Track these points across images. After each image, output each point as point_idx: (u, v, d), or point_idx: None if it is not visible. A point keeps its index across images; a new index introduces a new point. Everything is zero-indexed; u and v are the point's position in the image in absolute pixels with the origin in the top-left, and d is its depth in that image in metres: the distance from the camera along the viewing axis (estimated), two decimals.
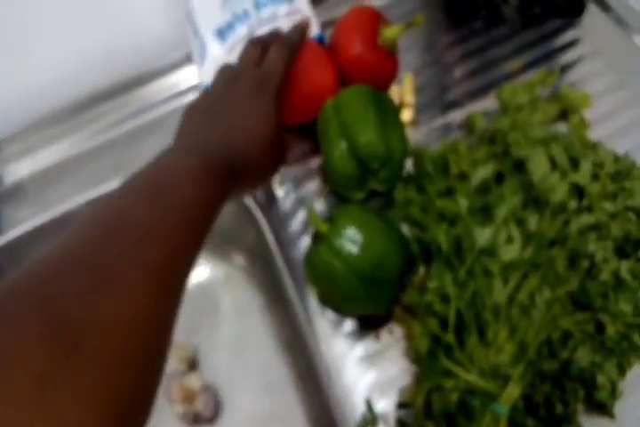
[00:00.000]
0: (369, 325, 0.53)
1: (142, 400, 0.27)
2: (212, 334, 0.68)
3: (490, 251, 0.45)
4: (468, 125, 0.60)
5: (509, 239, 0.45)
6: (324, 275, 0.49)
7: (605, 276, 0.46)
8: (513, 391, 0.41)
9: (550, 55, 0.65)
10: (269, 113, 0.45)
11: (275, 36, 0.52)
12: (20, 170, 0.65)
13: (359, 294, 0.48)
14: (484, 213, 0.48)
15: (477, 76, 0.65)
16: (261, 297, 0.66)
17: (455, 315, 0.44)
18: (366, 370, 0.51)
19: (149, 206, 0.33)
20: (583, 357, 0.44)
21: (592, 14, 0.68)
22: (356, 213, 0.50)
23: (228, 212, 0.67)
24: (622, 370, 0.46)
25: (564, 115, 0.61)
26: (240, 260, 0.70)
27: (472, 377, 0.42)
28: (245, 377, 0.66)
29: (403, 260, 0.49)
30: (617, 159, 0.52)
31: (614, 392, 0.46)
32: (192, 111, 0.46)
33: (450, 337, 0.43)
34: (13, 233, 0.60)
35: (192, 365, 0.66)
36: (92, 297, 0.26)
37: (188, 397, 0.62)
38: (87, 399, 0.24)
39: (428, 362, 0.45)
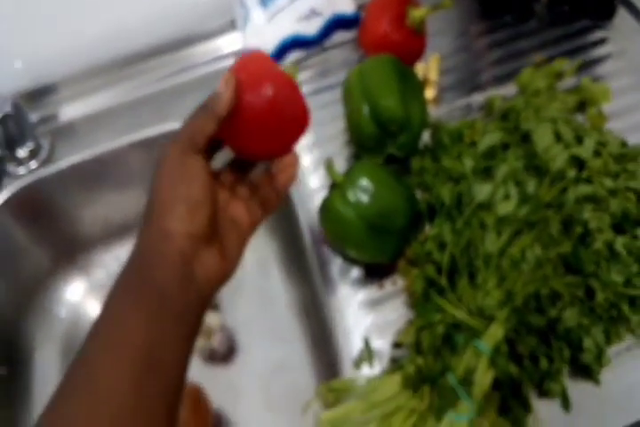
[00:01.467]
0: (374, 274, 0.58)
1: None
2: (234, 282, 0.74)
3: (487, 206, 0.50)
4: (487, 107, 0.65)
5: (507, 196, 0.50)
6: (335, 221, 0.54)
7: (599, 245, 0.49)
8: (496, 331, 0.46)
9: (575, 52, 0.70)
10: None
11: None
12: (73, 111, 0.72)
13: (366, 241, 0.54)
14: (487, 175, 0.53)
15: (502, 64, 0.70)
16: (280, 248, 0.72)
17: (449, 260, 0.49)
18: (367, 314, 0.56)
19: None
20: (571, 318, 0.48)
21: (621, 17, 0.72)
22: (371, 166, 0.55)
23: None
24: (609, 337, 0.49)
25: (582, 107, 0.65)
26: None
27: (459, 313, 0.47)
28: (261, 324, 0.72)
29: (409, 215, 0.54)
30: (624, 145, 0.56)
31: (600, 357, 0.49)
32: None
33: (443, 279, 0.49)
34: (63, 164, 0.66)
35: (213, 306, 0.72)
36: None
37: (206, 333, 0.68)
38: None
39: (421, 302, 0.50)
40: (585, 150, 0.52)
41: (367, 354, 0.54)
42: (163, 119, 0.70)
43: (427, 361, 0.47)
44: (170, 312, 0.34)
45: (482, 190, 0.51)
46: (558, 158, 0.52)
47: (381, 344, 0.54)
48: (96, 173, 0.70)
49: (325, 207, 0.55)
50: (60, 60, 0.71)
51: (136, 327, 0.33)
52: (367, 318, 0.56)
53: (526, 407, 0.47)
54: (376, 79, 0.58)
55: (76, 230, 0.74)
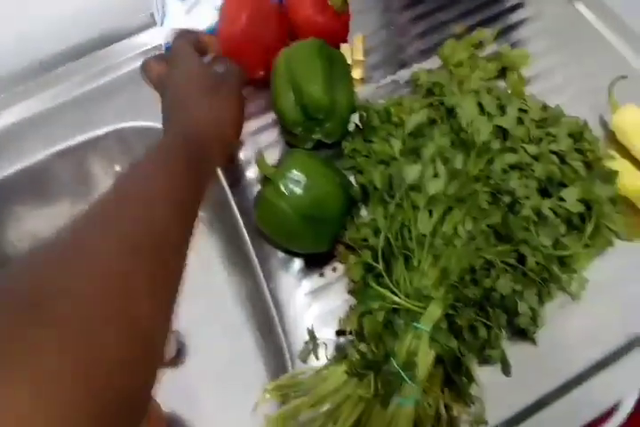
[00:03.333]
0: (314, 263, 0.57)
1: (128, 360, 0.27)
2: None
3: (418, 187, 0.49)
4: (413, 82, 0.64)
5: (436, 175, 0.49)
6: (270, 215, 0.53)
7: (526, 211, 0.50)
8: (434, 310, 0.46)
9: (494, 19, 0.69)
10: (239, 91, 0.52)
11: None
12: None
13: (303, 232, 0.53)
14: (416, 155, 0.52)
15: (426, 37, 0.69)
16: (220, 245, 0.70)
17: (384, 244, 0.48)
18: (311, 304, 0.55)
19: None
20: (505, 285, 0.48)
21: None
22: (301, 157, 0.53)
23: None
24: (542, 298, 0.50)
25: (503, 73, 0.65)
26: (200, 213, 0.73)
27: (397, 298, 0.46)
28: (206, 323, 0.70)
29: (344, 201, 0.54)
30: (545, 108, 0.56)
31: (535, 319, 0.50)
32: (171, 82, 0.50)
33: (379, 264, 0.48)
34: None
35: None
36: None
37: None
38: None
39: (361, 289, 0.50)
40: (508, 120, 0.52)
41: (312, 346, 0.53)
42: (89, 124, 0.67)
43: (369, 348, 0.47)
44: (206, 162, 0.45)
45: (411, 172, 0.50)
46: (482, 131, 0.51)
47: (328, 333, 0.54)
48: (19, 190, 0.66)
49: (259, 201, 0.54)
50: None
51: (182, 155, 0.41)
52: (312, 308, 0.55)
53: (469, 378, 0.48)
54: (301, 64, 0.57)
55: (2, 251, 0.71)
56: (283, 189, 0.51)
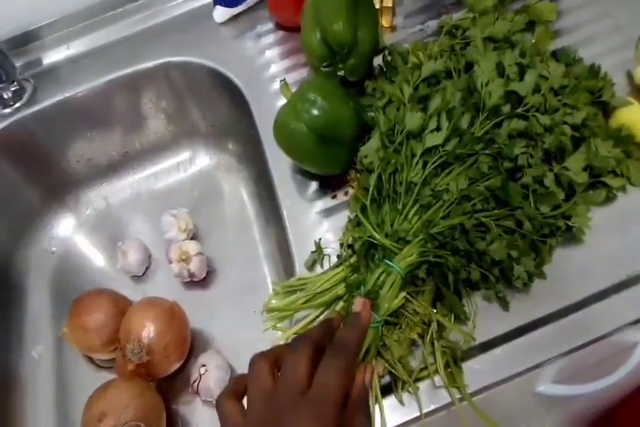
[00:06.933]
0: (328, 186, 0.61)
1: None
2: (211, 214, 0.79)
3: (419, 136, 0.51)
4: (439, 28, 0.67)
5: (438, 129, 0.51)
6: (287, 135, 0.57)
7: (527, 179, 0.50)
8: (407, 253, 0.48)
9: None
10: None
11: (327, 335, 0.41)
12: (55, 55, 0.78)
13: (318, 152, 0.56)
14: (425, 104, 0.54)
15: None
16: (249, 174, 0.76)
17: (377, 183, 0.52)
18: (322, 221, 0.59)
19: None
20: (499, 250, 0.48)
21: None
22: (319, 81, 0.57)
23: (223, 107, 0.77)
24: (541, 262, 0.51)
25: (532, 27, 0.66)
26: (234, 148, 0.79)
27: (376, 234, 0.49)
28: (234, 252, 0.76)
29: (358, 125, 0.57)
30: (567, 74, 0.56)
31: (532, 279, 0.50)
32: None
33: (368, 201, 0.51)
34: (45, 103, 0.71)
35: (192, 236, 0.77)
36: None
37: (185, 258, 0.72)
38: None
39: (355, 218, 0.54)
40: (524, 86, 0.52)
41: (318, 254, 0.56)
42: (138, 59, 0.74)
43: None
44: None
45: (412, 119, 0.52)
46: (494, 94, 0.52)
47: (333, 248, 0.57)
48: (78, 112, 0.74)
49: (277, 123, 0.58)
50: (41, 7, 0.75)
51: None
52: (322, 225, 0.59)
53: (459, 295, 0.50)
54: (328, 3, 0.61)
55: (61, 169, 0.79)
56: (300, 109, 0.55)
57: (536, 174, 0.51)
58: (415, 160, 0.52)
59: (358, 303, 0.44)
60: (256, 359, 0.39)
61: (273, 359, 0.39)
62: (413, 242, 0.48)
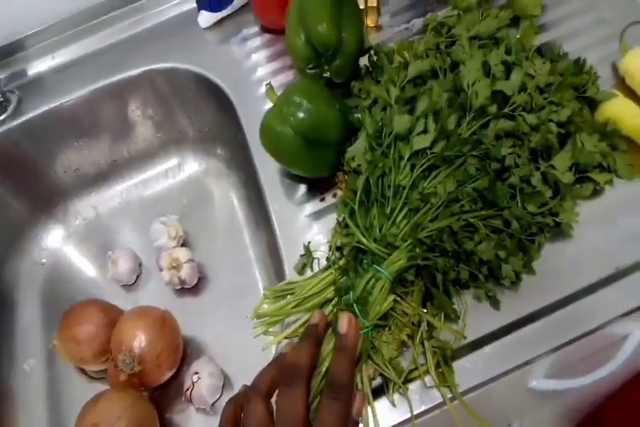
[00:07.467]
0: (317, 189, 0.61)
1: None
2: (200, 220, 0.79)
3: (407, 138, 0.51)
4: (425, 26, 0.66)
5: (425, 131, 0.51)
6: (274, 138, 0.56)
7: (514, 179, 0.50)
8: (396, 258, 0.47)
9: None
10: None
11: (315, 354, 0.41)
12: (40, 66, 0.77)
13: (304, 155, 0.56)
14: (412, 106, 0.53)
15: None
16: (238, 178, 0.75)
17: (364, 186, 0.51)
18: (311, 224, 0.59)
19: None
20: (487, 251, 0.48)
21: None
22: (305, 84, 0.57)
23: (210, 112, 0.76)
24: (530, 261, 0.51)
25: (517, 22, 0.66)
26: (222, 153, 0.79)
27: (364, 240, 0.48)
28: (224, 258, 0.76)
29: (344, 127, 0.57)
30: (553, 71, 0.55)
31: (519, 277, 0.50)
32: None
33: (356, 204, 0.51)
34: (31, 113, 0.71)
35: (182, 243, 0.76)
36: None
37: (175, 265, 0.71)
38: None
39: (344, 221, 0.53)
40: (510, 86, 0.52)
41: (307, 258, 0.56)
42: (124, 67, 0.74)
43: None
44: None
45: (400, 122, 0.52)
46: (480, 94, 0.52)
47: (324, 250, 0.56)
48: (64, 122, 0.74)
49: (263, 127, 0.57)
50: (24, 17, 0.75)
51: None
52: (311, 229, 0.59)
53: (449, 295, 0.50)
54: (312, 4, 0.60)
55: (49, 180, 0.78)
56: (285, 113, 0.55)
57: (523, 174, 0.50)
58: (403, 163, 0.51)
59: (343, 323, 0.41)
60: (252, 398, 0.39)
61: (266, 393, 0.39)
62: (402, 247, 0.48)
